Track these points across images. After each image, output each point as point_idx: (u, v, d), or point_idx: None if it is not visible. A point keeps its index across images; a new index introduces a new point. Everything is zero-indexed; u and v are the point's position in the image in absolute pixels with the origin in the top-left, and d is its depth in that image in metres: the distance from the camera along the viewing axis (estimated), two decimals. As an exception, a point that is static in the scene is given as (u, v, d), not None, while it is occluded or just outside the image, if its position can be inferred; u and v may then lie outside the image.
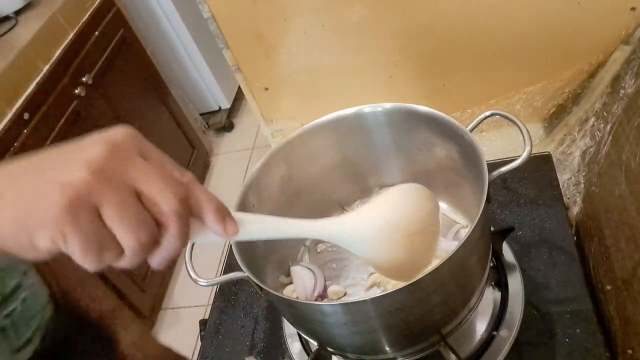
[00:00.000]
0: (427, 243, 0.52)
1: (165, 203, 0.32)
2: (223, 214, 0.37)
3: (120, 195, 0.31)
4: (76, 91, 1.63)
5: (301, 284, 0.70)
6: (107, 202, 0.31)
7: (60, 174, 0.31)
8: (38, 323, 0.65)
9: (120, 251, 0.32)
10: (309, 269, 0.71)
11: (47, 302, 0.69)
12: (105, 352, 0.78)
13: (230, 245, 0.59)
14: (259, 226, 0.43)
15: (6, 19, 1.66)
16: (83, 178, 0.30)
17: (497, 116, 0.60)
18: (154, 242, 0.33)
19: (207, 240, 0.38)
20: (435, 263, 0.48)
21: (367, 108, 0.67)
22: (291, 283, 0.72)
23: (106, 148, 0.32)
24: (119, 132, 0.34)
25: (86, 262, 0.31)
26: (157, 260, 0.34)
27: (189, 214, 0.34)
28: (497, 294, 0.68)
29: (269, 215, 0.44)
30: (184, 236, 0.34)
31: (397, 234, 0.49)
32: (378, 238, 0.49)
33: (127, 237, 0.31)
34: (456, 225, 0.72)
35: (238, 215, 0.40)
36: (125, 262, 0.33)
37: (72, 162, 0.31)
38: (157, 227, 0.33)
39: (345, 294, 0.70)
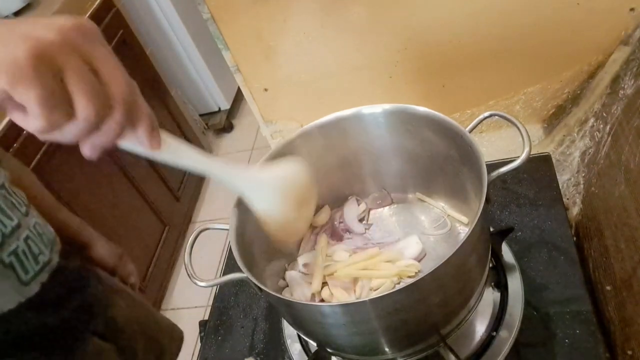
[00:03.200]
0: (306, 213, 0.62)
1: (118, 87, 0.35)
2: (154, 127, 0.40)
3: (83, 64, 0.33)
4: (76, 92, 1.63)
5: (297, 287, 0.70)
6: (70, 66, 0.33)
7: (30, 31, 0.33)
8: (46, 259, 0.69)
9: (71, 116, 0.34)
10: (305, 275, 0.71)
11: (54, 240, 0.73)
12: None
13: (230, 247, 0.59)
14: (179, 152, 0.45)
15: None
16: (51, 38, 0.32)
17: (497, 117, 0.60)
18: (101, 118, 0.35)
19: (131, 148, 0.41)
20: (435, 264, 0.48)
21: (366, 109, 0.67)
22: (291, 284, 0.72)
23: (76, 23, 0.34)
24: (87, 20, 0.36)
25: (36, 113, 0.32)
26: (92, 145, 0.36)
27: (132, 108, 0.37)
28: (497, 295, 0.68)
29: (194, 147, 0.47)
30: (122, 127, 0.36)
31: (293, 193, 0.57)
32: (279, 191, 0.56)
33: (83, 102, 0.33)
34: (456, 225, 0.72)
35: (165, 137, 0.43)
36: (71, 130, 0.34)
37: (43, 24, 0.33)
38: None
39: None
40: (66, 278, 0.73)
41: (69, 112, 0.34)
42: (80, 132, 0.35)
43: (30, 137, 1.42)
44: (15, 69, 0.31)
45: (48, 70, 0.32)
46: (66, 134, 0.35)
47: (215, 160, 0.50)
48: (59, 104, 0.33)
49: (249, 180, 0.55)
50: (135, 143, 0.40)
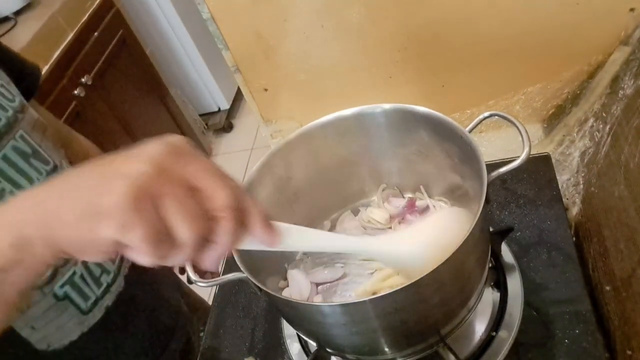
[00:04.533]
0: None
1: (220, 198, 0.34)
2: (268, 222, 0.39)
3: (179, 190, 0.33)
4: (75, 92, 1.63)
5: (297, 287, 0.70)
6: (167, 195, 0.33)
7: (124, 168, 0.33)
8: (110, 279, 0.63)
9: (176, 243, 0.34)
10: (306, 274, 0.71)
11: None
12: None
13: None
14: (300, 238, 0.44)
15: (5, 19, 1.66)
16: (145, 171, 0.33)
17: (496, 117, 0.60)
18: (207, 237, 0.35)
19: (249, 247, 0.40)
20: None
21: (366, 109, 0.67)
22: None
23: (166, 147, 0.35)
24: (175, 137, 0.37)
25: (144, 251, 0.33)
26: (209, 259, 0.36)
27: (241, 213, 0.36)
28: (496, 295, 0.68)
29: (309, 227, 0.45)
30: (236, 233, 0.36)
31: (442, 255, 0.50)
32: (423, 258, 0.52)
33: (184, 229, 0.33)
34: (455, 225, 0.72)
35: (281, 225, 0.41)
36: (179, 256, 0.34)
37: (135, 157, 0.34)
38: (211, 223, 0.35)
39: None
40: (135, 296, 0.67)
41: (174, 241, 0.34)
42: (187, 256, 0.35)
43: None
44: (120, 216, 0.32)
45: (148, 206, 0.32)
46: (176, 260, 0.35)
47: (343, 236, 0.49)
48: (163, 237, 0.33)
49: (389, 252, 0.52)
50: (253, 242, 0.39)
